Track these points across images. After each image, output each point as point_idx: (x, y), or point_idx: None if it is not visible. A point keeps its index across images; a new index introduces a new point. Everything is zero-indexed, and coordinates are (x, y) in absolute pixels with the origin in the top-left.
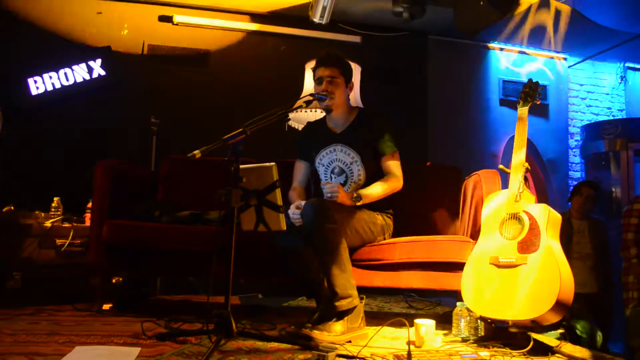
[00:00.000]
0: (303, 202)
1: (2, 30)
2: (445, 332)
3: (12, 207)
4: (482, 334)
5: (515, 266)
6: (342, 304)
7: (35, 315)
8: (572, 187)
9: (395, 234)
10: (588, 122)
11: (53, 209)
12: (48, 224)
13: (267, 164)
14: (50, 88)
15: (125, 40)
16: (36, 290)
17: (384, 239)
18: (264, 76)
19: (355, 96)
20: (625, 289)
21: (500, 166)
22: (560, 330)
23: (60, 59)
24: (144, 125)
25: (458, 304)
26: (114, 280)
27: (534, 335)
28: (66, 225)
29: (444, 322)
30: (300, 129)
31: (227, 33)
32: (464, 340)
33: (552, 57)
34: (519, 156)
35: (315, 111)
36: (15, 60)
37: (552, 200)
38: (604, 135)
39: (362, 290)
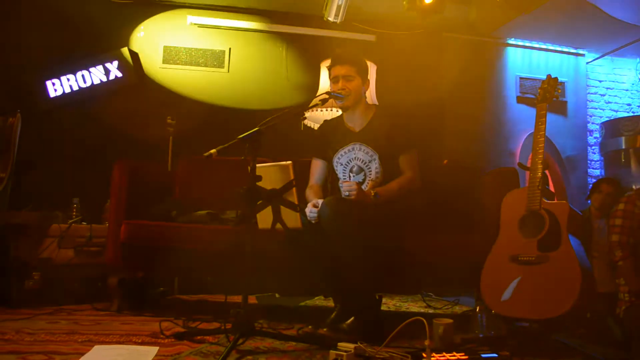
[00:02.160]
0: (320, 201)
1: (20, 33)
2: (464, 331)
3: (31, 208)
4: (502, 333)
5: (536, 264)
6: (359, 303)
7: (55, 314)
8: (591, 185)
9: (413, 233)
10: (607, 119)
11: (72, 210)
12: (67, 224)
13: (284, 162)
14: (68, 90)
15: (141, 41)
16: (55, 290)
17: (403, 237)
18: (280, 75)
19: (371, 94)
20: (618, 291)
21: (519, 164)
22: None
23: (77, 61)
24: (160, 126)
25: (477, 302)
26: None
27: (556, 335)
28: (85, 225)
29: (463, 321)
30: (316, 127)
31: (241, 33)
32: (484, 340)
33: (570, 54)
34: (538, 154)
35: (331, 110)
36: (34, 63)
37: (571, 198)
38: (623, 132)
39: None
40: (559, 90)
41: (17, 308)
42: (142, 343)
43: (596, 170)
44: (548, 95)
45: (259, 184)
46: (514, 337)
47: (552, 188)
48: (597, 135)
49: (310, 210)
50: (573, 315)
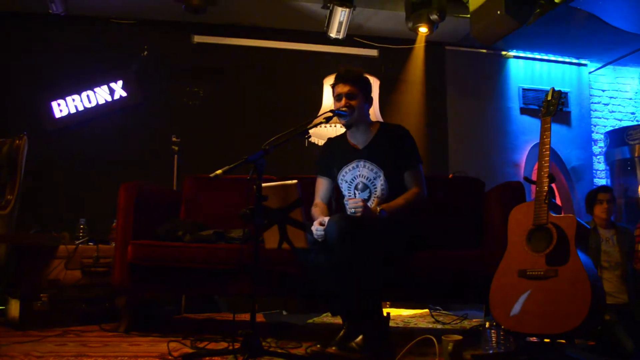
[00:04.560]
0: (326, 218)
1: (26, 54)
2: (474, 347)
3: (39, 229)
4: (512, 349)
5: (544, 279)
6: (368, 321)
7: (63, 336)
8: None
9: (419, 248)
10: (612, 128)
11: (79, 230)
12: (74, 245)
13: (290, 181)
14: (73, 110)
15: (145, 61)
16: (63, 311)
17: (411, 253)
18: (282, 92)
19: (374, 110)
20: None
21: (525, 177)
22: (591, 343)
23: (82, 82)
24: (165, 145)
25: (486, 318)
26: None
27: (568, 349)
28: (91, 245)
29: (472, 336)
30: (320, 144)
31: (245, 50)
32: (494, 356)
33: (572, 64)
34: (544, 167)
35: (335, 126)
36: (39, 84)
37: (577, 209)
38: (628, 141)
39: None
40: (563, 103)
41: (25, 330)
42: None
43: (602, 180)
44: (552, 108)
45: (265, 203)
46: (524, 352)
47: (558, 201)
48: (602, 145)
49: (316, 229)
50: (583, 328)
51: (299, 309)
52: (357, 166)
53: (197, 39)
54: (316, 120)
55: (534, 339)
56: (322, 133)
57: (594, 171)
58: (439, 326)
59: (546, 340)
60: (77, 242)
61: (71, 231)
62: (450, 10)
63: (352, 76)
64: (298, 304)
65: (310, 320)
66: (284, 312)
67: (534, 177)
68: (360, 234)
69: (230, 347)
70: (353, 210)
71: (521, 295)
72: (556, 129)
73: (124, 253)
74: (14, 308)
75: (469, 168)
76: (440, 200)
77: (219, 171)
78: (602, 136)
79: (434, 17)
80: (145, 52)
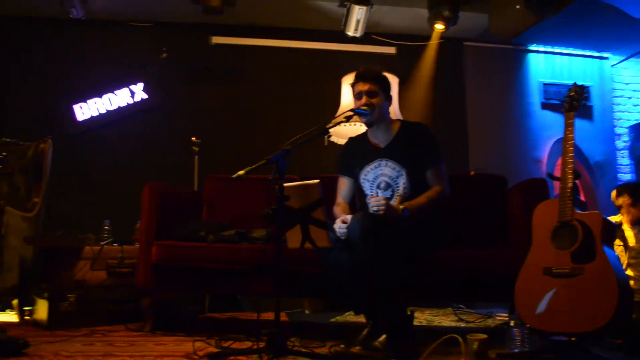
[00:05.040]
0: (349, 217)
1: (48, 58)
2: (499, 346)
3: (65, 231)
4: (538, 347)
5: (570, 277)
6: (391, 320)
7: (90, 336)
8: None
9: (442, 246)
10: (635, 122)
11: (103, 232)
12: (99, 246)
13: (312, 181)
14: (95, 113)
15: (164, 63)
16: (89, 312)
17: (435, 251)
18: (301, 92)
19: (394, 108)
20: None
21: (549, 174)
22: (618, 341)
23: (103, 85)
24: (185, 146)
25: (511, 317)
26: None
27: (594, 348)
28: (116, 246)
29: (497, 335)
30: (340, 142)
31: (263, 51)
32: (519, 355)
33: (593, 57)
34: (568, 163)
35: (355, 124)
36: (61, 88)
37: (602, 204)
38: None
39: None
40: (586, 98)
41: (53, 330)
42: None
43: (627, 175)
44: (575, 103)
45: (287, 203)
46: (550, 351)
47: (582, 197)
48: (626, 139)
49: (339, 227)
50: (610, 327)
51: (322, 307)
52: (379, 165)
53: (215, 40)
54: (337, 119)
55: (561, 337)
56: (342, 132)
57: (618, 166)
58: (463, 325)
59: (572, 338)
60: (102, 243)
61: (96, 232)
62: (469, 6)
63: (372, 74)
64: (320, 302)
65: (333, 319)
66: (307, 311)
67: (556, 173)
68: (383, 232)
69: (255, 347)
70: (375, 208)
71: (546, 293)
72: (578, 123)
73: (147, 254)
74: (42, 309)
75: (490, 165)
76: (462, 198)
77: (241, 172)
78: (626, 130)
79: (446, 13)
80: (165, 54)
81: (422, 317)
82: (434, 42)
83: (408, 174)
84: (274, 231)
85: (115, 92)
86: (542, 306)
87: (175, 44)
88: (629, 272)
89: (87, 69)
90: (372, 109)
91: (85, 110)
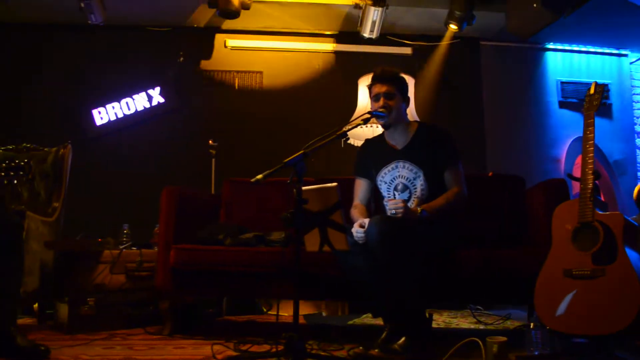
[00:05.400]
0: (366, 220)
1: (67, 64)
2: (518, 348)
3: (84, 235)
4: (558, 350)
5: (591, 278)
6: (410, 323)
7: (110, 339)
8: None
9: (461, 248)
10: None
11: (122, 235)
12: (118, 250)
13: (330, 184)
14: (113, 118)
15: (181, 66)
16: (109, 315)
17: (454, 252)
18: (318, 94)
19: (411, 110)
20: None
21: (569, 174)
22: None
23: (121, 90)
24: (203, 149)
25: (531, 318)
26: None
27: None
28: (135, 250)
29: (517, 337)
30: (357, 145)
31: (279, 53)
32: (539, 358)
33: (612, 54)
34: (588, 164)
35: (371, 126)
36: (80, 93)
37: (621, 204)
38: None
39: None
40: (606, 97)
41: (73, 333)
42: None
43: None
44: (595, 102)
45: (306, 206)
46: (571, 353)
47: (603, 197)
48: None
49: (357, 231)
50: (632, 329)
51: (340, 310)
52: (397, 167)
53: (231, 43)
54: (354, 122)
55: (582, 339)
56: (360, 133)
57: (638, 164)
58: (481, 327)
59: (593, 341)
60: (121, 247)
61: (115, 236)
62: (485, 5)
63: (389, 76)
64: (338, 305)
65: (351, 322)
66: (324, 313)
67: (574, 172)
68: (401, 235)
69: (274, 349)
70: (393, 211)
71: (567, 295)
72: (597, 122)
73: (166, 257)
74: (63, 312)
75: (508, 165)
76: (480, 198)
77: (259, 176)
78: None
79: (460, 13)
80: (181, 58)
81: (440, 319)
82: (449, 42)
83: (425, 175)
84: (292, 234)
85: (133, 96)
86: (562, 308)
87: (192, 48)
88: None
89: (105, 74)
90: (389, 111)
91: (103, 115)
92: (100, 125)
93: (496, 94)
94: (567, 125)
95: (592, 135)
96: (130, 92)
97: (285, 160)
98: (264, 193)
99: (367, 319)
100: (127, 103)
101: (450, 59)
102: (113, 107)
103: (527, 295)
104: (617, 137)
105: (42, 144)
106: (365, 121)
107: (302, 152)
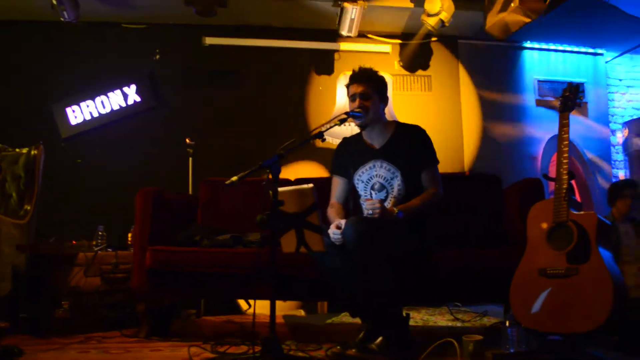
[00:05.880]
0: (343, 221)
1: (40, 62)
2: (494, 345)
3: (58, 238)
4: (534, 348)
5: (565, 277)
6: (387, 323)
7: (85, 343)
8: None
9: (437, 248)
10: (630, 118)
11: (97, 237)
12: (93, 252)
13: (306, 185)
14: (88, 117)
15: (158, 65)
16: (85, 318)
17: (429, 252)
18: (296, 92)
19: (389, 109)
20: None
21: (544, 175)
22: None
23: (96, 88)
24: (180, 148)
25: (506, 317)
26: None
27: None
28: (110, 252)
29: (493, 334)
30: (333, 142)
31: (257, 51)
32: (515, 355)
33: (588, 53)
34: (563, 164)
35: (350, 125)
36: (54, 91)
37: (596, 201)
38: None
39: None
40: (581, 97)
41: (48, 337)
42: None
43: (620, 170)
44: (570, 103)
45: (282, 208)
46: (546, 351)
47: (578, 197)
48: (621, 135)
49: (333, 232)
50: (606, 327)
51: (319, 308)
52: (374, 166)
53: (209, 40)
54: (330, 123)
55: (556, 337)
56: (337, 131)
57: (613, 162)
58: (459, 324)
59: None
60: (95, 249)
61: (90, 238)
62: (464, 4)
63: (366, 76)
64: (317, 303)
65: (329, 320)
66: (302, 313)
67: (551, 170)
68: (378, 236)
69: (251, 351)
70: (370, 211)
71: (541, 293)
72: (573, 119)
73: (142, 259)
74: (37, 316)
75: (486, 162)
76: (457, 198)
77: (234, 178)
78: (621, 126)
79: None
80: (157, 56)
81: (417, 317)
82: (428, 40)
83: (403, 175)
84: (268, 235)
85: (108, 94)
86: (537, 306)
87: (168, 46)
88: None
89: (80, 72)
90: (365, 112)
91: (78, 114)
92: (74, 125)
93: (473, 91)
94: (544, 123)
95: (567, 135)
96: (105, 90)
97: (260, 163)
98: (241, 193)
99: (345, 317)
100: (102, 102)
101: (429, 57)
102: (88, 106)
103: (503, 293)
104: (593, 134)
105: (14, 144)
106: (342, 122)
107: (277, 154)
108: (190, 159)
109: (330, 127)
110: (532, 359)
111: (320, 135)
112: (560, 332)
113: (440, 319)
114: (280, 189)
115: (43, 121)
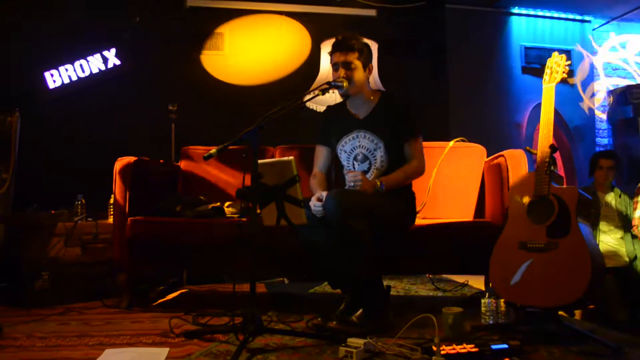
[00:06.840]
0: (324, 193)
1: (17, 24)
2: (474, 316)
3: (36, 208)
4: (512, 319)
5: (545, 251)
6: (368, 295)
7: (66, 314)
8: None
9: (419, 218)
10: (615, 87)
11: (77, 206)
12: (72, 222)
13: (286, 158)
14: (67, 81)
15: (138, 27)
16: (65, 289)
17: (410, 225)
18: (280, 56)
19: (373, 77)
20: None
21: (527, 148)
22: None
23: (75, 51)
24: (162, 114)
25: (486, 289)
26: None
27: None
28: (90, 222)
29: (473, 306)
30: (318, 110)
31: (240, 13)
32: (494, 327)
33: (575, 20)
34: (546, 137)
35: (334, 92)
36: (31, 55)
37: (579, 169)
38: (631, 100)
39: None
40: (567, 69)
41: (27, 308)
42: (153, 344)
43: (604, 139)
44: (555, 75)
45: (262, 180)
46: (524, 323)
47: (561, 171)
48: (605, 104)
49: (314, 205)
50: (583, 301)
51: (301, 277)
52: (357, 136)
53: (191, 2)
54: (312, 94)
55: (535, 309)
56: (322, 99)
57: (597, 130)
58: (440, 294)
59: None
60: (75, 219)
61: (70, 206)
62: None
63: (349, 45)
64: (299, 272)
65: (312, 290)
66: (286, 281)
67: (535, 138)
68: (359, 208)
69: (232, 323)
70: (352, 183)
71: (520, 266)
72: (558, 88)
73: (122, 229)
74: (16, 287)
75: (471, 129)
76: (441, 168)
77: (212, 150)
78: (605, 95)
79: None
80: (137, 19)
81: (399, 286)
82: (414, 4)
83: (386, 147)
84: (249, 206)
85: (88, 58)
86: (516, 277)
87: (149, 8)
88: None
89: (58, 35)
90: (349, 82)
91: (56, 78)
92: (53, 89)
93: (460, 58)
94: (529, 91)
95: (551, 108)
96: (84, 53)
97: (240, 134)
98: (223, 162)
99: (328, 286)
100: (81, 65)
101: (415, 21)
102: (67, 70)
103: (484, 265)
104: (578, 103)
105: None
106: (324, 92)
107: (256, 125)
108: (173, 124)
109: (312, 98)
110: (511, 331)
111: (302, 106)
112: (538, 305)
113: (421, 288)
114: (260, 161)
115: (21, 85)
